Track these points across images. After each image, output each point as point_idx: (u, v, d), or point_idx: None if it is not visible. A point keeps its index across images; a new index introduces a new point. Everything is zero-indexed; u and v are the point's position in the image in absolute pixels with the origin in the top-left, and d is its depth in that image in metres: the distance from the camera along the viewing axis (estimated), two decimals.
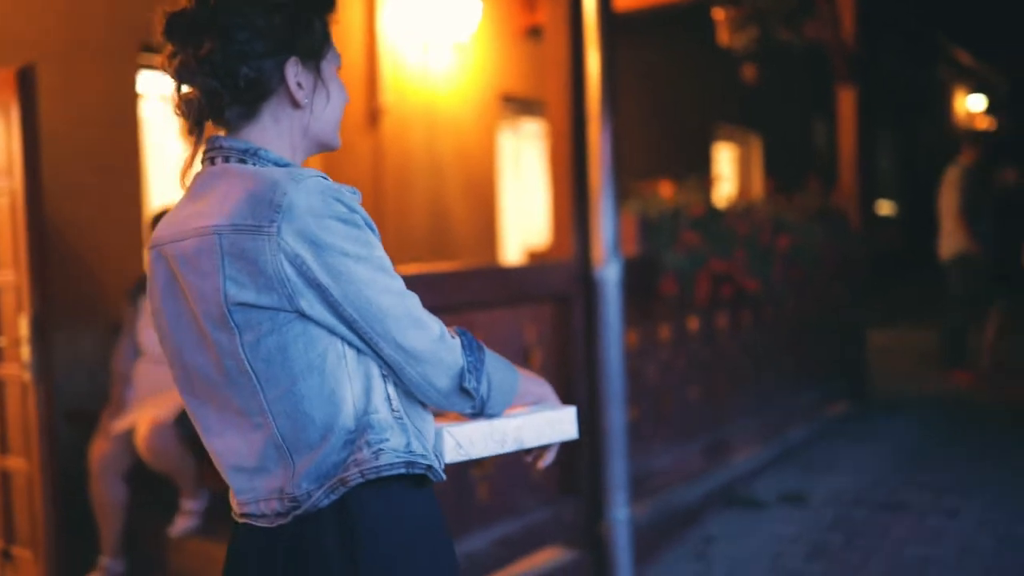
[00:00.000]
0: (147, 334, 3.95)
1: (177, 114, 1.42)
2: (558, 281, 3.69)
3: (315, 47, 1.43)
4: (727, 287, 4.81)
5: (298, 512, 1.34)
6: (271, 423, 1.34)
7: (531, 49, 7.33)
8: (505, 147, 7.78)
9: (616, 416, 3.77)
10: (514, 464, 3.57)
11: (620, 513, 3.81)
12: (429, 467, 1.39)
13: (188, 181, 1.43)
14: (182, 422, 3.77)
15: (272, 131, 1.41)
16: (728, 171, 11.62)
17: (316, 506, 1.33)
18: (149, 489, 3.97)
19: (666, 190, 4.54)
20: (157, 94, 5.27)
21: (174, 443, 3.73)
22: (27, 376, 3.41)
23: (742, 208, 5.31)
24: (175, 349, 1.40)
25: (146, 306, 3.96)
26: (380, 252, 1.35)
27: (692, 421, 4.87)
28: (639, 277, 4.18)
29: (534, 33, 7.20)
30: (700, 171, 9.63)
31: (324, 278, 1.29)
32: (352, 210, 1.32)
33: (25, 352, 3.40)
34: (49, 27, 4.54)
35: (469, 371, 1.41)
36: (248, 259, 1.28)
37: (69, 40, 4.61)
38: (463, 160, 7.06)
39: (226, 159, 1.39)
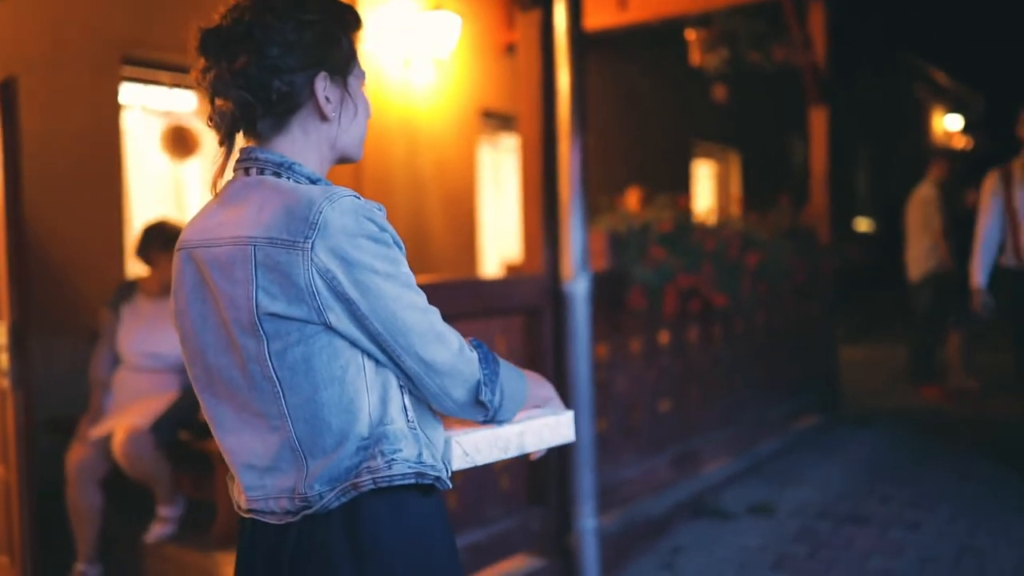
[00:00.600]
0: (126, 342, 4.01)
1: (210, 126, 1.49)
2: (528, 294, 3.78)
3: (343, 62, 1.49)
4: (695, 301, 4.91)
5: (308, 512, 1.40)
6: (289, 427, 1.40)
7: (510, 65, 7.43)
8: (484, 161, 7.88)
9: (584, 427, 3.85)
10: (482, 474, 3.65)
11: (588, 523, 3.89)
12: (438, 478, 1.46)
13: (219, 188, 1.51)
14: (159, 429, 3.84)
15: (301, 143, 1.47)
16: (707, 187, 11.76)
17: (326, 508, 1.40)
18: (125, 496, 4.03)
19: (632, 198, 4.60)
20: (139, 105, 5.34)
21: (150, 450, 3.79)
22: (5, 383, 3.47)
23: (711, 224, 5.42)
24: (198, 350, 1.47)
25: (133, 311, 4.02)
26: (406, 269, 1.43)
27: (662, 433, 4.96)
28: (608, 291, 4.27)
29: (513, 50, 7.30)
30: (679, 187, 9.76)
31: (353, 293, 1.36)
32: (382, 229, 1.40)
33: (3, 360, 3.46)
34: (31, 39, 4.61)
35: (485, 383, 1.48)
36: (281, 271, 1.35)
37: (51, 52, 4.68)
38: (443, 174, 7.16)
39: (261, 171, 1.46)
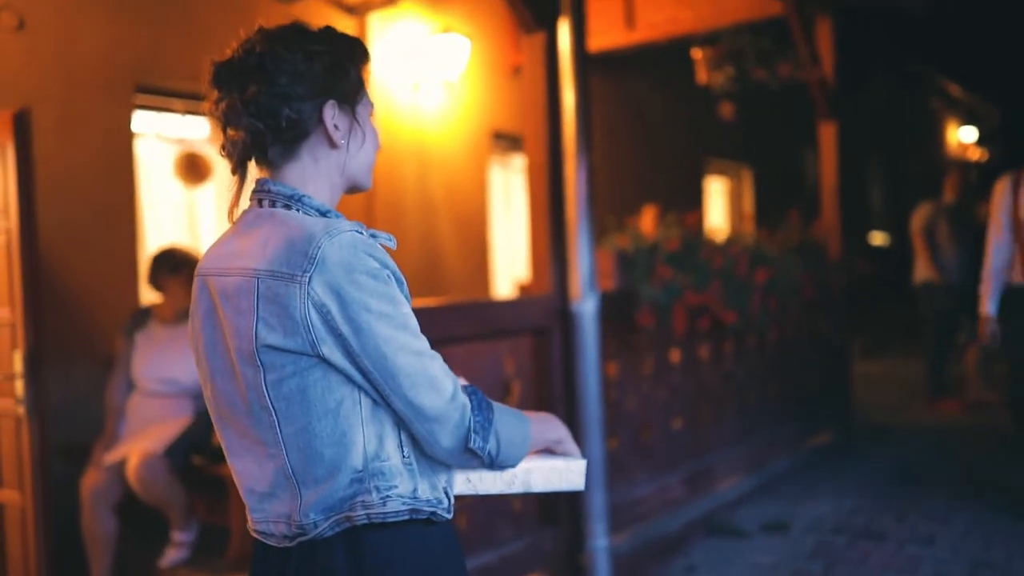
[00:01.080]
0: (140, 367, 4.06)
1: (223, 155, 1.54)
2: (536, 315, 3.80)
3: (351, 92, 1.54)
4: (705, 319, 4.91)
5: (303, 539, 1.44)
6: (283, 455, 1.44)
7: (519, 86, 7.48)
8: (495, 182, 7.92)
9: (595, 446, 3.86)
10: (494, 495, 3.65)
11: (600, 542, 3.89)
12: (434, 512, 1.48)
13: (235, 216, 1.55)
14: (172, 454, 3.87)
15: (312, 170, 1.51)
16: (719, 203, 11.76)
17: (322, 536, 1.43)
18: (139, 521, 4.06)
19: (648, 217, 4.64)
20: (152, 133, 5.41)
21: (164, 475, 3.83)
22: (21, 411, 3.51)
23: (720, 241, 5.43)
24: (208, 372, 1.51)
25: (146, 337, 4.07)
26: (405, 309, 1.44)
27: (674, 451, 4.95)
28: (617, 310, 4.28)
29: (521, 71, 7.36)
30: (691, 204, 9.77)
31: (345, 329, 1.38)
32: (383, 266, 1.42)
33: (19, 387, 3.50)
34: (45, 69, 4.68)
35: (475, 431, 1.47)
36: (280, 304, 1.38)
37: (65, 81, 4.76)
38: (454, 196, 7.20)
39: (272, 203, 1.50)
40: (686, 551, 4.63)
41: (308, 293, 1.36)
